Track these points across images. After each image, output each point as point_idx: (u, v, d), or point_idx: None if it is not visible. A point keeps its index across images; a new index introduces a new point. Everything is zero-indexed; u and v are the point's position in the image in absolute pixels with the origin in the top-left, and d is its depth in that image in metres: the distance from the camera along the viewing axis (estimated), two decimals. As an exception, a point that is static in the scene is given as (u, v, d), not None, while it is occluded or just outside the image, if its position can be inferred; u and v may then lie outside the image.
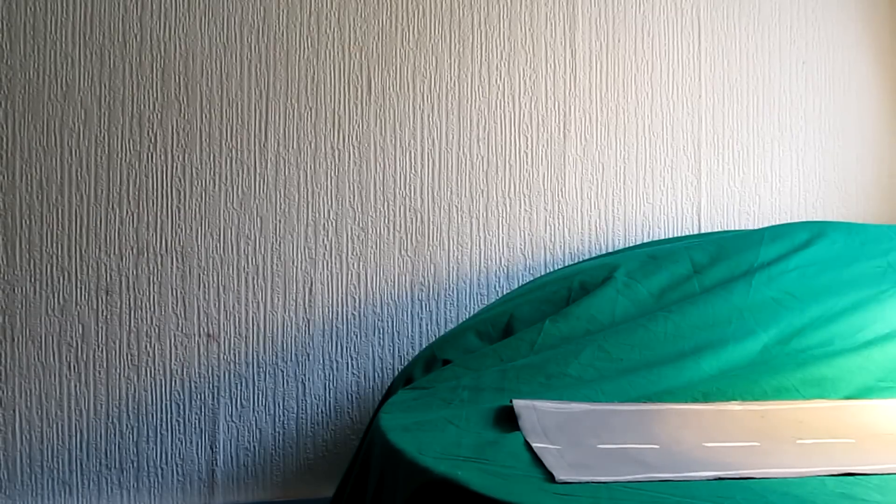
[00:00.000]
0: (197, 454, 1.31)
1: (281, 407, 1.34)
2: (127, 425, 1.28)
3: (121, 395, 1.28)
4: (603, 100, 1.52)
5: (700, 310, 1.26)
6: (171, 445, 1.30)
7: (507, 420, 1.05)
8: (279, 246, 1.34)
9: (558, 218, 1.49)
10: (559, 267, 1.45)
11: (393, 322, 1.40)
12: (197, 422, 1.31)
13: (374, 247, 1.38)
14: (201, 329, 1.31)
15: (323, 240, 1.36)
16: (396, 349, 1.39)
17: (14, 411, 1.24)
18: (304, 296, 1.35)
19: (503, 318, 1.28)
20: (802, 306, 1.28)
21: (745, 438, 1.02)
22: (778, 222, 1.49)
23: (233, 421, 1.32)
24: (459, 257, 1.43)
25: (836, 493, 0.86)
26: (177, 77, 1.30)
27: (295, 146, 1.35)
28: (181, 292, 1.30)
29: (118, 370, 1.28)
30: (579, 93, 1.51)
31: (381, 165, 1.39)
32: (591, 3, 1.51)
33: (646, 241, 1.49)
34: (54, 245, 1.26)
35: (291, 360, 1.35)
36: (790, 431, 1.04)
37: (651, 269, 1.32)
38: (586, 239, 1.50)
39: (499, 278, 1.45)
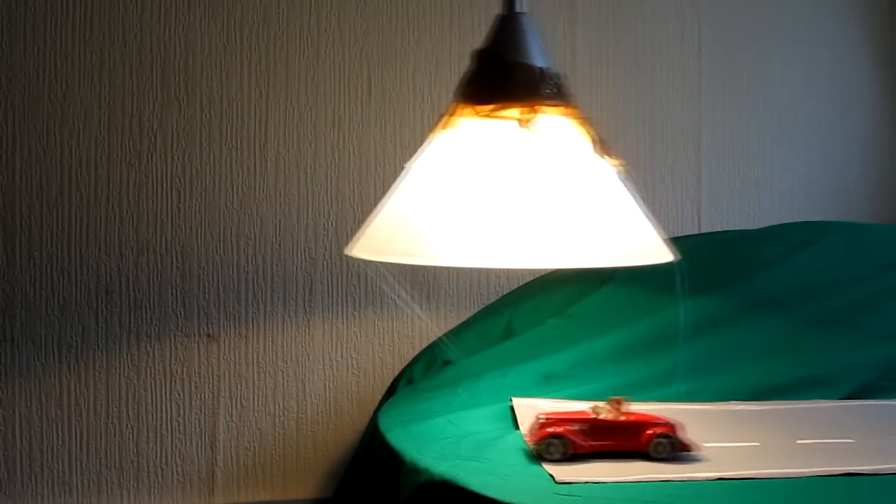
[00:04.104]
0: (197, 454, 1.31)
1: (281, 407, 1.34)
2: (127, 425, 1.28)
3: (121, 395, 1.28)
4: (603, 99, 1.52)
5: (700, 310, 1.26)
6: (171, 445, 1.30)
7: (508, 420, 1.05)
8: (279, 246, 1.34)
9: (558, 218, 1.48)
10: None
11: (393, 322, 1.39)
12: (197, 422, 1.31)
13: (374, 247, 1.38)
14: (201, 329, 1.31)
15: (323, 240, 1.36)
16: (396, 349, 1.39)
17: (14, 411, 1.24)
18: (304, 296, 1.35)
19: (503, 318, 1.28)
20: (802, 306, 1.28)
21: (745, 438, 1.02)
22: (778, 222, 1.49)
23: (233, 421, 1.32)
24: (459, 257, 1.43)
25: (836, 493, 0.86)
26: (177, 77, 1.30)
27: (295, 146, 1.35)
28: (181, 292, 1.30)
29: (118, 370, 1.28)
30: (579, 93, 1.50)
31: (382, 165, 1.39)
32: (591, 3, 1.51)
33: (646, 241, 1.49)
34: (54, 245, 1.26)
35: (291, 360, 1.35)
36: (790, 431, 1.04)
37: (651, 270, 1.32)
38: (586, 239, 1.50)
39: (499, 278, 1.45)
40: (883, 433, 1.05)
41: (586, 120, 0.95)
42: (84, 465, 1.27)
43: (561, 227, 0.87)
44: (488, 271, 1.44)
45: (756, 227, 1.50)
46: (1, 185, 1.24)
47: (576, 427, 0.93)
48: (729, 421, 1.08)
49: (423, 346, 1.30)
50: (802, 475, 0.90)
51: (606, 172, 0.93)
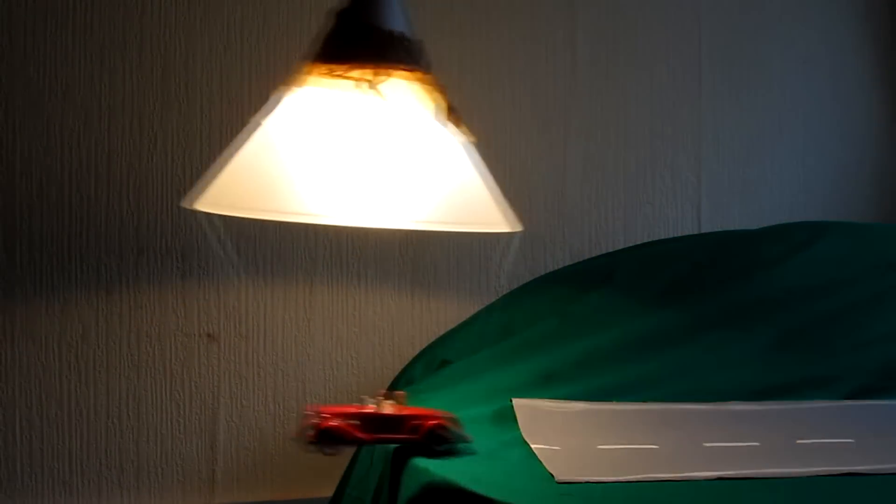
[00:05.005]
0: (197, 454, 1.31)
1: (281, 407, 1.34)
2: (127, 425, 1.28)
3: (121, 395, 1.28)
4: (603, 100, 1.52)
5: (700, 310, 1.26)
6: (171, 445, 1.30)
7: (508, 420, 1.05)
8: (279, 246, 1.34)
9: (558, 218, 1.49)
10: (559, 267, 1.45)
11: (393, 322, 1.39)
12: (197, 422, 1.31)
13: (374, 247, 1.38)
14: (201, 329, 1.31)
15: (323, 240, 1.36)
16: (396, 349, 1.39)
17: (14, 411, 1.24)
18: (305, 296, 1.35)
19: (503, 318, 1.28)
20: (802, 306, 1.28)
21: (745, 438, 1.02)
22: (778, 222, 1.49)
23: (233, 421, 1.32)
24: (459, 257, 1.43)
25: (836, 493, 0.86)
26: (177, 77, 1.30)
27: (295, 146, 1.35)
28: (181, 292, 1.30)
29: (118, 370, 1.28)
30: (579, 93, 1.50)
31: (381, 165, 1.39)
32: (591, 3, 1.51)
33: (646, 241, 1.49)
34: (54, 245, 1.26)
35: (291, 360, 1.35)
36: (790, 431, 1.04)
37: (651, 269, 1.32)
38: (586, 239, 1.50)
39: (499, 278, 1.45)
40: (883, 433, 1.05)
41: (439, 88, 0.95)
42: (84, 465, 1.27)
43: (396, 189, 0.89)
44: (488, 271, 1.45)
45: (756, 227, 1.50)
46: (1, 185, 1.24)
47: (350, 420, 0.94)
48: (729, 421, 1.08)
49: (423, 346, 1.30)
50: (802, 475, 0.90)
51: (450, 140, 0.94)
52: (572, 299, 1.28)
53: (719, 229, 1.57)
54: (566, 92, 1.50)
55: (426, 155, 0.91)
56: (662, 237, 1.52)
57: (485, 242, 1.44)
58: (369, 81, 0.90)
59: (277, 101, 0.94)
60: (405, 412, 0.96)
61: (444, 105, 0.94)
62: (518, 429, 1.02)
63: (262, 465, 1.34)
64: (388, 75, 0.91)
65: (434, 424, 0.94)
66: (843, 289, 1.30)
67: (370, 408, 0.96)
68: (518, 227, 0.96)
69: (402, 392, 0.98)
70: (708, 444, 0.98)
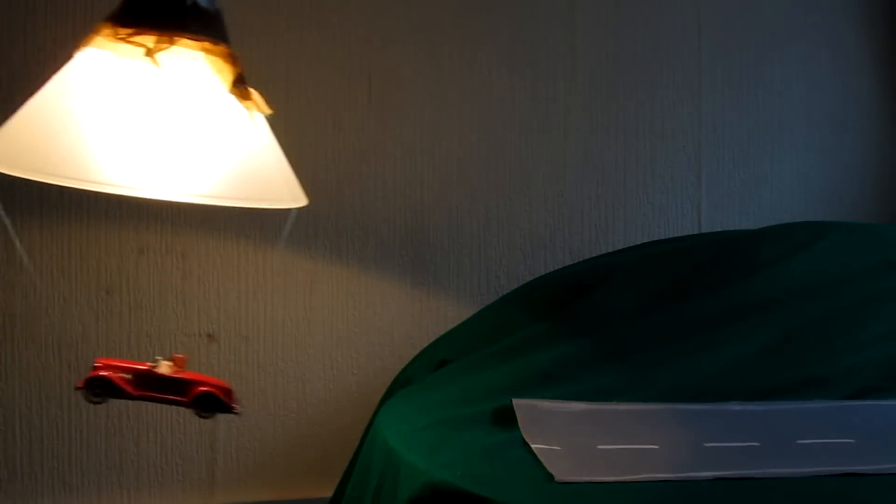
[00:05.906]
0: (197, 454, 1.31)
1: (281, 407, 1.34)
2: (127, 425, 1.28)
3: (121, 395, 1.28)
4: (603, 99, 1.52)
5: (700, 310, 1.26)
6: (171, 445, 1.30)
7: (508, 420, 1.05)
8: (279, 246, 1.34)
9: (558, 218, 1.49)
10: (559, 267, 1.45)
11: (393, 322, 1.39)
12: (197, 422, 1.31)
13: (374, 247, 1.38)
14: (201, 329, 1.31)
15: (323, 240, 1.36)
16: (396, 349, 1.39)
17: (14, 411, 1.24)
18: (305, 296, 1.35)
19: (503, 319, 1.28)
20: (802, 306, 1.28)
21: (745, 438, 1.02)
22: (778, 222, 1.49)
23: (233, 421, 1.32)
24: (459, 257, 1.43)
25: (836, 493, 0.86)
26: (177, 77, 1.30)
27: (295, 146, 1.35)
28: (181, 292, 1.30)
29: (118, 370, 1.28)
30: (579, 93, 1.50)
31: (381, 165, 1.39)
32: (591, 3, 1.51)
33: (646, 241, 1.49)
34: (54, 245, 1.26)
35: (291, 360, 1.35)
36: (790, 431, 1.04)
37: (651, 269, 1.32)
38: (586, 239, 1.50)
39: (499, 278, 1.45)
40: (883, 433, 1.05)
41: (230, 59, 0.94)
42: (84, 465, 1.27)
43: (172, 161, 0.87)
44: (488, 271, 1.44)
45: (756, 227, 1.50)
46: (1, 185, 1.24)
47: (125, 375, 0.96)
48: (729, 421, 1.08)
49: (423, 346, 1.30)
50: (802, 475, 0.90)
51: (236, 113, 0.93)
52: (572, 299, 1.28)
53: (719, 229, 1.57)
54: (566, 92, 1.50)
55: (208, 128, 0.90)
56: (662, 237, 1.52)
57: (486, 242, 1.44)
58: (148, 48, 0.89)
59: (69, 62, 0.92)
60: (179, 375, 0.97)
61: (230, 77, 0.93)
62: (518, 429, 1.02)
63: (262, 465, 1.34)
64: (171, 44, 0.89)
65: (204, 391, 0.96)
66: (843, 289, 1.30)
67: (146, 365, 0.97)
68: (303, 202, 0.96)
69: (182, 356, 0.99)
70: (708, 444, 0.98)
